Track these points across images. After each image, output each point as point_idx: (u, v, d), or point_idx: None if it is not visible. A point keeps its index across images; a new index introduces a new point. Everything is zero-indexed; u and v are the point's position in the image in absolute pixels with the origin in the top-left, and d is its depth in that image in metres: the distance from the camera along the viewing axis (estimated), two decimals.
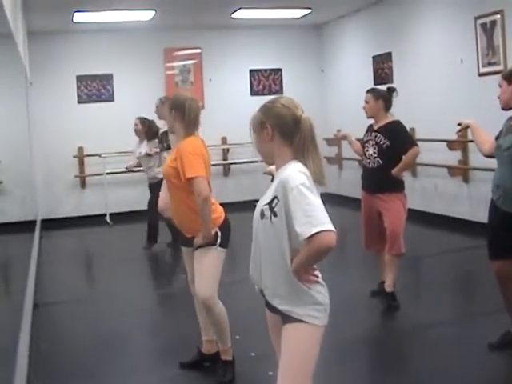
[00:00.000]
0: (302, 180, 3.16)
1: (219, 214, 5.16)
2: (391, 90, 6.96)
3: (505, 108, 5.35)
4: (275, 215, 3.24)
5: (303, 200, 3.10)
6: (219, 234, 5.07)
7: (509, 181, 5.19)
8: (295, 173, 3.20)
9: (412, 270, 8.46)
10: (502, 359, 5.45)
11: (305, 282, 3.26)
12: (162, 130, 9.66)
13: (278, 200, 3.22)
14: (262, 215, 3.31)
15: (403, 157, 6.80)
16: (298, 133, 3.32)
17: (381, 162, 6.77)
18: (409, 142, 6.84)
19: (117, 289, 8.57)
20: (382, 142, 6.77)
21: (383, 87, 7.25)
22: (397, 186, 6.84)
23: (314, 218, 3.05)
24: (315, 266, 3.34)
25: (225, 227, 5.16)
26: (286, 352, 3.37)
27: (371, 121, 7.03)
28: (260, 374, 5.16)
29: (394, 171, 6.69)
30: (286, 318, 3.36)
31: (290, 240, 3.24)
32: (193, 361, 5.55)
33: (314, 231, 3.02)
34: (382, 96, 6.89)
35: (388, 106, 6.90)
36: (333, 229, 3.04)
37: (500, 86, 5.33)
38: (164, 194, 5.54)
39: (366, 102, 6.91)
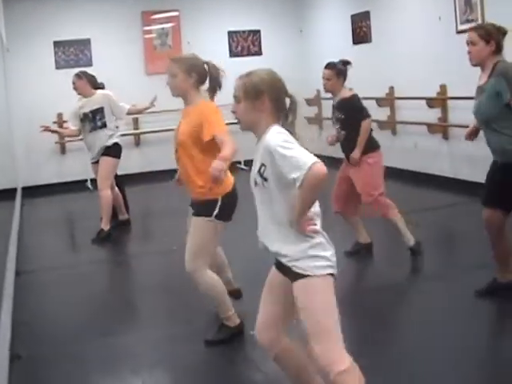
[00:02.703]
0: (281, 138, 3.32)
1: (227, 185, 5.08)
2: (346, 63, 7.10)
3: (476, 65, 5.39)
4: (266, 180, 3.40)
5: (287, 153, 3.24)
6: (219, 203, 5.02)
7: (490, 138, 5.33)
8: (273, 135, 3.36)
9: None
10: (484, 310, 5.54)
11: (307, 231, 3.36)
12: (92, 108, 8.94)
13: (265, 166, 3.37)
14: (255, 183, 3.48)
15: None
16: (286, 108, 3.50)
17: (345, 132, 7.00)
18: (360, 115, 6.97)
19: (100, 254, 8.59)
20: (339, 116, 7.02)
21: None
22: (367, 148, 6.97)
23: (301, 160, 3.20)
24: (315, 218, 3.45)
25: (229, 199, 5.10)
26: (307, 313, 3.42)
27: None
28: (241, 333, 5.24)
29: (353, 154, 6.90)
30: (294, 276, 3.43)
31: (286, 198, 3.37)
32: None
33: (305, 167, 3.17)
34: (342, 73, 7.03)
35: (345, 79, 7.07)
36: (318, 160, 3.21)
37: (472, 42, 5.31)
38: None
39: (328, 79, 7.00)
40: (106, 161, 9.03)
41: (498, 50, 5.28)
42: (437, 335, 5.04)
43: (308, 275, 3.38)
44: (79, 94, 9.06)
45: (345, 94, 7.03)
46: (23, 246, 8.68)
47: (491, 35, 5.26)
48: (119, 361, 5.18)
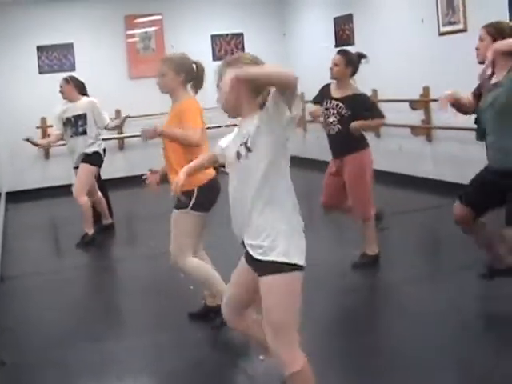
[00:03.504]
0: None
1: (206, 175, 5.15)
2: (361, 57, 6.88)
3: (481, 62, 5.16)
4: (249, 150, 3.37)
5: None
6: (195, 194, 5.09)
7: (497, 137, 5.11)
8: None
9: (379, 230, 8.51)
10: (470, 311, 5.58)
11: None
12: (74, 113, 8.91)
13: (250, 136, 3.37)
14: (238, 155, 3.44)
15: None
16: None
17: (340, 127, 6.76)
18: (375, 114, 6.82)
19: (85, 259, 8.57)
20: (343, 112, 6.74)
21: (353, 50, 7.19)
22: (358, 145, 6.83)
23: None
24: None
25: (206, 190, 5.20)
26: (266, 309, 3.46)
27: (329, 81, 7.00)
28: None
29: (353, 124, 6.64)
30: (261, 270, 3.43)
31: (271, 164, 3.35)
32: (199, 312, 5.73)
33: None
34: (352, 63, 6.79)
35: (354, 72, 6.85)
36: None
37: (481, 38, 5.16)
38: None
39: (336, 64, 6.77)
40: (84, 168, 8.96)
41: None
42: (423, 337, 5.05)
43: (274, 271, 3.36)
44: (65, 98, 9.01)
45: (352, 90, 6.82)
46: (7, 251, 8.65)
47: (499, 33, 5.08)
48: (104, 367, 5.17)
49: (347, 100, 6.77)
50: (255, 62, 3.50)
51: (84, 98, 9.01)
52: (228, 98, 3.47)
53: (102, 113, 9.03)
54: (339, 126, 6.77)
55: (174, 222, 5.31)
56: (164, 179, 5.52)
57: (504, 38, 5.06)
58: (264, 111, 3.32)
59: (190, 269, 5.31)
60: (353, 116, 6.71)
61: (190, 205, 5.11)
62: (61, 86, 9.00)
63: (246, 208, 3.43)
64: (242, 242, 3.54)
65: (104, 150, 9.30)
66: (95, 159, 9.06)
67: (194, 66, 5.31)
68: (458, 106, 5.43)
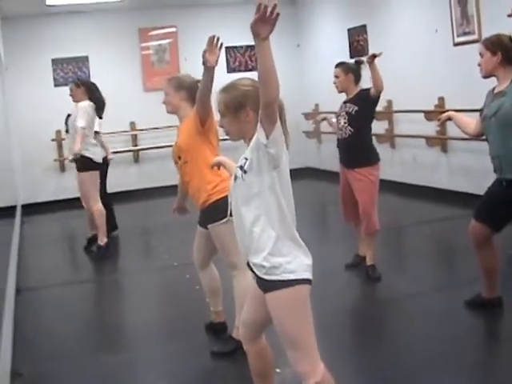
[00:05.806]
0: None
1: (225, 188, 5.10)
2: (359, 63, 7.00)
3: (485, 77, 5.28)
4: (245, 172, 3.38)
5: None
6: (230, 200, 4.98)
7: (502, 146, 5.13)
8: None
9: (393, 241, 8.50)
10: (482, 327, 5.56)
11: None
12: (71, 112, 8.93)
13: (247, 159, 3.37)
14: (236, 178, 3.47)
15: (371, 126, 7.02)
16: None
17: (352, 130, 6.80)
18: (374, 107, 6.93)
19: (100, 271, 8.58)
20: (351, 110, 6.81)
21: (351, 61, 7.29)
22: (370, 158, 6.88)
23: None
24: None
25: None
26: (278, 323, 3.45)
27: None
28: None
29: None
30: (265, 287, 3.43)
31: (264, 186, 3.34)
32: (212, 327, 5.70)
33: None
34: (351, 70, 6.92)
35: (358, 78, 6.94)
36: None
37: (481, 53, 5.21)
38: None
39: (336, 76, 6.93)
40: (81, 178, 8.93)
41: (510, 60, 5.12)
42: (431, 350, 5.01)
43: (279, 287, 3.34)
44: (74, 101, 8.88)
45: (358, 89, 6.91)
46: (23, 263, 8.68)
47: (496, 46, 5.12)
48: (119, 377, 5.15)
49: (354, 98, 6.89)
50: (249, 87, 3.48)
51: (83, 102, 8.75)
52: (233, 129, 3.53)
53: (80, 118, 8.57)
54: (350, 128, 6.82)
55: (217, 238, 5.12)
56: (183, 202, 5.57)
57: (506, 50, 5.13)
58: (255, 137, 3.31)
59: (241, 287, 5.00)
60: (360, 111, 6.78)
61: (229, 211, 4.94)
62: (71, 90, 8.91)
63: (247, 228, 3.42)
64: (248, 264, 3.52)
65: (105, 157, 9.32)
66: (83, 166, 8.81)
67: (199, 84, 5.19)
68: (456, 123, 5.66)
